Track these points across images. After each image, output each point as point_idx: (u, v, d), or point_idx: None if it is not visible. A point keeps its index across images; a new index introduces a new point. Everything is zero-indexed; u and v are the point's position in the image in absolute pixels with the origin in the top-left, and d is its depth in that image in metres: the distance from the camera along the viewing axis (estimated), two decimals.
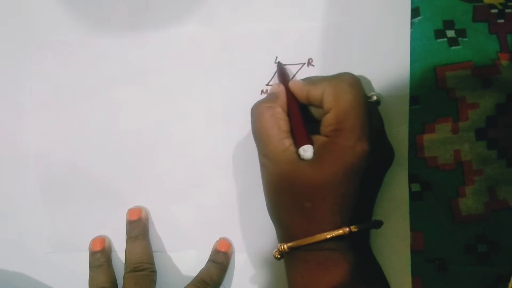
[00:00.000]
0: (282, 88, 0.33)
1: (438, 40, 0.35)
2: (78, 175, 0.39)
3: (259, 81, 0.37)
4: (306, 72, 0.36)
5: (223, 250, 0.38)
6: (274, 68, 0.37)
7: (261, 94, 0.37)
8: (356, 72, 0.34)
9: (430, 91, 0.35)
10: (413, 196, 0.36)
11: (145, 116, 0.38)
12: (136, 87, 0.38)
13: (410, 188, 0.36)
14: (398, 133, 0.35)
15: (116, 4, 0.37)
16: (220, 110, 0.37)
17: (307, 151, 0.30)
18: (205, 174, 0.38)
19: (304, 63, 0.36)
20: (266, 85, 0.37)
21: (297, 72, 0.37)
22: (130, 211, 0.38)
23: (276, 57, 0.36)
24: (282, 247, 0.30)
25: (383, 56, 0.36)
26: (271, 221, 0.33)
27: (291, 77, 0.37)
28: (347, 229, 0.28)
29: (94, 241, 0.39)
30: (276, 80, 0.37)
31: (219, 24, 0.36)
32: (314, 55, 0.36)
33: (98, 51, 0.38)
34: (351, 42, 0.36)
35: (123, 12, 0.37)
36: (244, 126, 0.36)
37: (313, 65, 0.36)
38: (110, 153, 0.39)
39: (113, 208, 0.39)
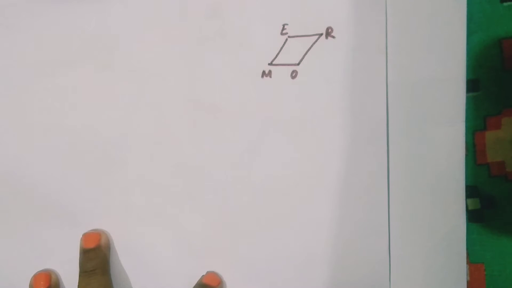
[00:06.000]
0: None
1: (505, 3, 0.30)
2: (13, 187, 0.33)
3: (259, 59, 0.31)
4: (324, 47, 0.30)
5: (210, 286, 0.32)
6: (281, 40, 0.31)
7: (262, 77, 0.31)
8: (393, 49, 0.29)
9: (494, 73, 0.30)
10: (470, 216, 0.31)
11: (107, 107, 0.33)
12: (94, 67, 0.32)
13: (466, 206, 0.31)
14: (450, 132, 0.30)
15: None
16: (207, 99, 0.32)
17: None
18: (188, 185, 0.32)
19: (321, 34, 0.30)
20: (269, 64, 0.31)
21: (311, 46, 0.30)
22: (85, 237, 0.32)
23: (283, 26, 0.31)
24: None
25: (431, 25, 0.30)
26: (273, 253, 0.32)
27: (303, 53, 0.31)
28: None
29: (36, 277, 0.33)
30: (283, 57, 0.31)
31: None
32: (335, 23, 0.30)
33: (41, 19, 0.32)
34: (386, 5, 0.30)
35: None
36: (239, 120, 0.31)
37: (333, 37, 0.30)
38: (58, 157, 0.33)
39: (62, 232, 0.33)
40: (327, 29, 0.30)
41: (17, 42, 0.33)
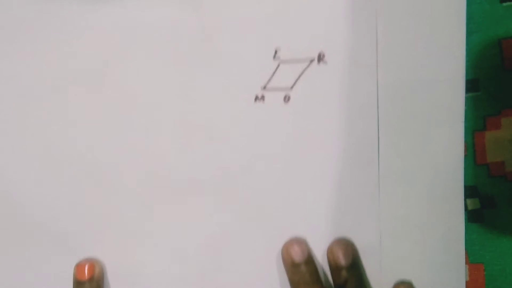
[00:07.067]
0: None
1: (505, 3, 0.29)
2: (3, 210, 0.32)
3: (252, 83, 0.31)
4: (316, 72, 0.30)
5: None
6: (273, 65, 0.30)
7: (255, 101, 0.30)
8: (393, 49, 0.29)
9: (494, 73, 0.30)
10: (470, 216, 0.30)
11: (99, 129, 0.31)
12: (87, 88, 0.31)
13: (466, 206, 0.30)
14: (449, 132, 0.30)
15: None
16: (200, 122, 0.31)
17: None
18: (182, 208, 0.31)
19: (314, 59, 0.30)
20: (262, 88, 0.30)
21: (304, 71, 0.30)
22: (79, 267, 0.31)
23: (276, 51, 0.30)
24: None
25: (431, 25, 0.29)
26: (277, 274, 0.31)
27: (295, 78, 0.30)
28: None
29: None
30: (275, 81, 0.30)
31: (200, 5, 0.30)
32: (327, 48, 0.30)
33: (30, 38, 0.31)
34: (378, 27, 0.29)
35: None
36: (232, 143, 0.31)
37: (325, 62, 0.30)
38: (49, 179, 0.32)
39: (54, 260, 0.32)
40: (319, 54, 0.30)
41: (10, 64, 0.31)
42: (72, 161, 0.31)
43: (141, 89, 0.31)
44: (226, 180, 0.31)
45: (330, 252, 0.30)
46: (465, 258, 0.30)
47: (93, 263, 0.31)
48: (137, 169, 0.31)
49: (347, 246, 0.30)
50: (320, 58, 0.30)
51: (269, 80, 0.30)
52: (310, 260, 0.30)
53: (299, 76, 0.30)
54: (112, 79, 0.31)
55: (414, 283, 0.30)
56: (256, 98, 0.31)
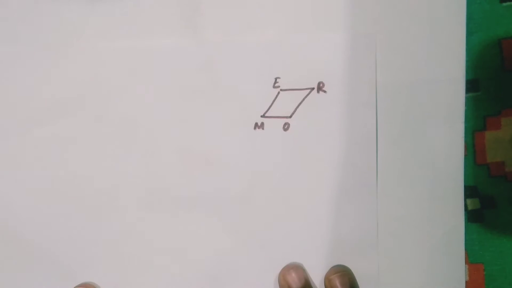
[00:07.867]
0: None
1: (505, 3, 0.29)
2: (2, 236, 0.32)
3: (252, 111, 0.31)
4: (316, 101, 0.30)
5: None
6: (273, 93, 0.30)
7: (255, 129, 0.30)
8: (393, 49, 0.30)
9: (494, 73, 0.30)
10: (470, 216, 0.30)
11: (97, 158, 0.31)
12: (87, 117, 0.31)
13: (466, 206, 0.30)
14: (449, 132, 0.30)
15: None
16: (200, 150, 0.31)
17: None
18: (179, 235, 0.31)
19: (313, 88, 0.30)
20: (262, 116, 0.30)
21: (303, 100, 0.30)
22: None
23: (276, 79, 0.30)
24: None
25: (431, 25, 0.30)
26: None
27: (295, 106, 0.30)
28: None
29: None
30: (275, 109, 0.30)
31: (200, 33, 0.30)
32: (326, 78, 0.30)
33: (28, 66, 0.31)
34: (377, 55, 0.30)
35: (65, 12, 0.30)
36: (231, 169, 0.31)
37: (324, 91, 0.30)
38: (46, 203, 0.31)
39: (51, 284, 0.31)
40: (319, 83, 0.30)
41: (10, 91, 0.31)
42: (71, 188, 0.31)
43: (142, 115, 0.31)
44: (224, 205, 0.31)
45: (327, 281, 0.29)
46: (465, 258, 0.30)
47: (88, 287, 0.31)
48: (136, 195, 0.31)
49: (345, 274, 0.29)
50: (320, 87, 0.30)
51: (269, 108, 0.30)
52: (307, 287, 0.29)
53: (299, 105, 0.30)
54: (113, 106, 0.31)
55: (414, 283, 0.30)
56: (256, 125, 0.31)
